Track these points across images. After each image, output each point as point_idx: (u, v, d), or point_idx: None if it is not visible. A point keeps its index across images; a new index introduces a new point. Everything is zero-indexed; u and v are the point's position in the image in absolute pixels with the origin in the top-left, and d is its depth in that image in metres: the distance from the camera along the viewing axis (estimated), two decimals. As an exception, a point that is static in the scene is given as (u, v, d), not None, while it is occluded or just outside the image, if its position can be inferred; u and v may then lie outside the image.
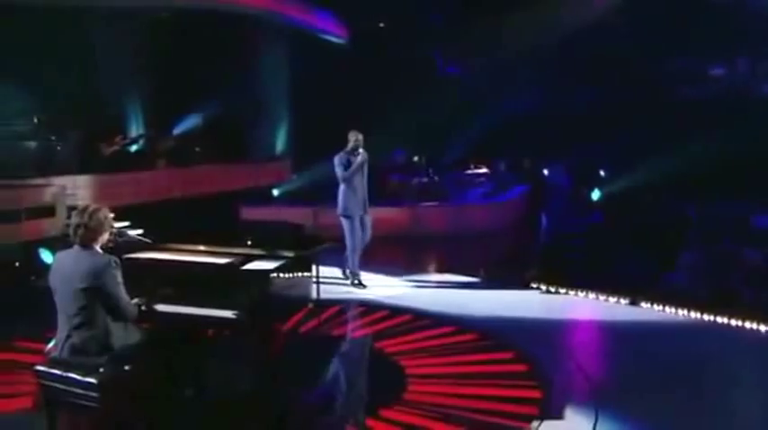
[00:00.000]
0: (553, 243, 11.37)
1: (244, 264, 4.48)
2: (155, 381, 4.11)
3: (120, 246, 4.61)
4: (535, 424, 4.34)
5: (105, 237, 4.07)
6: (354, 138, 7.71)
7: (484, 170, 13.87)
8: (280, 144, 15.84)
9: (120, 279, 3.97)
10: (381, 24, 19.42)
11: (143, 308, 4.25)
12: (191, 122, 14.21)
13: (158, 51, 14.17)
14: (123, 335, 4.02)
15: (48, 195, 8.62)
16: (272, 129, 15.70)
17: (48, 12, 11.91)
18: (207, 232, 5.21)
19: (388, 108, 13.97)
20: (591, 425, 4.30)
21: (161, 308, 4.30)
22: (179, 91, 13.58)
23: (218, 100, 13.80)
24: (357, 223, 7.75)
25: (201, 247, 4.87)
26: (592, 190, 14.23)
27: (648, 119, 15.49)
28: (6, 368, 5.16)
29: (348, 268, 7.86)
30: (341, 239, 7.58)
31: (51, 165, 10.58)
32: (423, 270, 8.94)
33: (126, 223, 6.77)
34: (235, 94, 13.72)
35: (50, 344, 4.09)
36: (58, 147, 10.94)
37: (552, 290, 7.67)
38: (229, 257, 4.62)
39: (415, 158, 14.23)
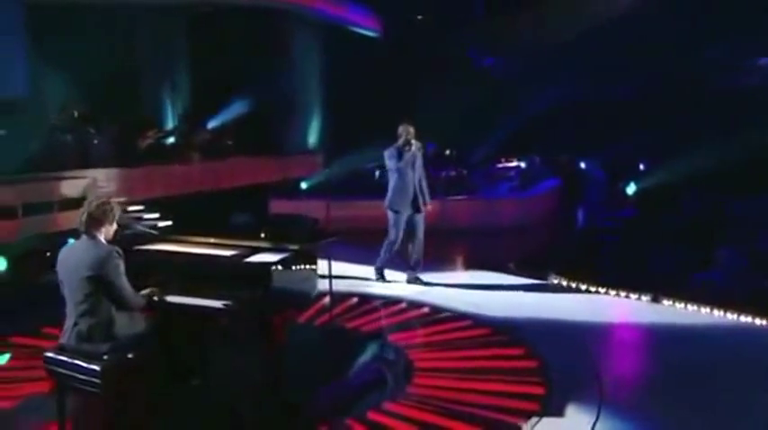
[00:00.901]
0: (584, 238, 11.19)
1: (248, 256, 4.56)
2: (158, 369, 4.23)
3: (127, 238, 4.73)
4: (533, 420, 4.31)
5: (111, 228, 4.20)
6: (405, 131, 7.42)
7: (514, 164, 13.73)
8: (312, 138, 15.97)
9: (122, 269, 4.08)
10: (420, 17, 19.42)
11: (155, 298, 4.38)
12: (233, 111, 14.35)
13: (195, 46, 14.46)
14: (127, 324, 4.14)
15: (79, 188, 8.90)
16: (304, 123, 15.84)
17: (89, 8, 12.26)
18: (224, 225, 5.35)
19: (421, 101, 13.93)
20: (590, 424, 4.25)
21: (168, 298, 4.42)
22: (214, 85, 13.83)
23: (252, 94, 13.98)
24: (403, 219, 7.47)
25: (211, 240, 4.98)
26: (627, 183, 13.95)
27: (690, 110, 15.08)
28: (32, 353, 5.35)
29: (384, 264, 7.66)
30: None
31: (88, 159, 10.90)
32: (446, 264, 8.86)
33: (139, 207, 6.89)
34: (268, 89, 13.88)
35: None
36: (95, 141, 11.23)
37: (574, 286, 7.56)
38: (235, 250, 4.71)
39: (447, 152, 14.17)
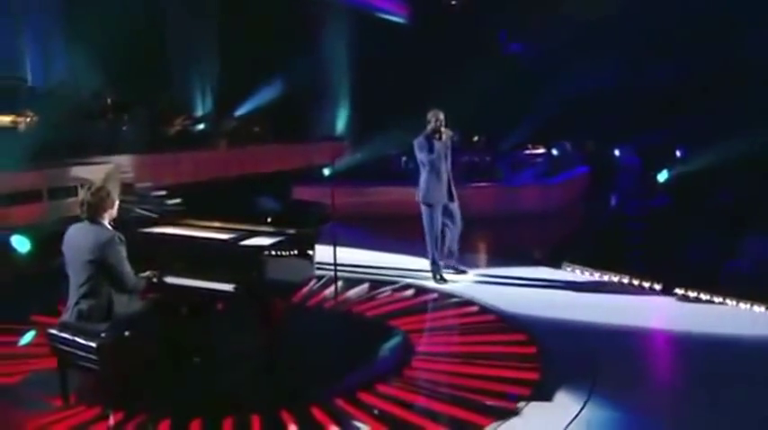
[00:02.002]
0: (609, 226, 11.02)
1: (243, 239, 4.67)
2: (154, 347, 4.38)
3: (129, 220, 4.88)
4: (522, 404, 4.33)
5: (112, 212, 4.36)
6: (434, 117, 7.00)
7: (541, 151, 13.56)
8: (340, 124, 16.07)
9: (123, 254, 4.25)
10: (453, 2, 19.28)
11: (154, 280, 4.53)
12: (261, 98, 14.53)
13: (225, 33, 14.65)
14: (126, 305, 4.30)
15: (102, 173, 9.17)
16: (332, 109, 15.95)
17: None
18: (233, 209, 5.44)
19: (450, 87, 13.85)
20: (578, 409, 4.24)
21: (167, 280, 4.57)
22: (243, 72, 14.01)
23: (281, 81, 14.13)
24: (439, 212, 7.09)
25: (215, 223, 5.10)
26: (659, 171, 13.65)
27: (733, 95, 14.64)
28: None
29: (431, 260, 7.23)
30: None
31: (117, 145, 11.19)
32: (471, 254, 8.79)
33: (162, 192, 7.05)
34: (296, 75, 14.01)
35: None
36: (124, 128, 11.51)
37: (588, 274, 7.50)
38: (233, 233, 4.82)
39: (475, 138, 14.08)
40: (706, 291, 6.52)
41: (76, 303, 4.26)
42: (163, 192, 9.47)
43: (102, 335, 4.14)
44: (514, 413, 4.21)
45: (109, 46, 12.28)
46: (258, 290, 4.43)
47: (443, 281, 7.15)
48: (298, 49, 14.28)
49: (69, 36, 12.85)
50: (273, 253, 4.51)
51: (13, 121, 11.11)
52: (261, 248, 4.47)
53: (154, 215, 5.08)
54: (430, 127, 7.02)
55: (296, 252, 4.75)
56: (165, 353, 4.49)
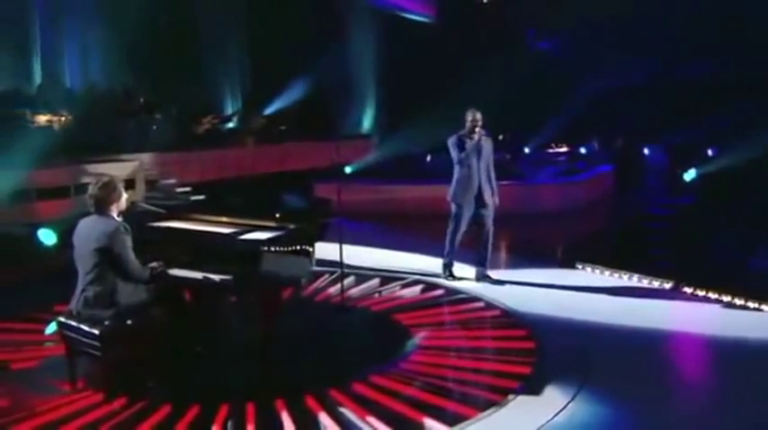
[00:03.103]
0: (630, 225, 10.93)
1: (243, 234, 4.83)
2: (158, 336, 4.58)
3: (136, 215, 5.10)
4: (511, 397, 4.40)
5: (120, 204, 4.58)
6: (471, 117, 6.85)
7: (564, 149, 13.50)
8: (367, 122, 16.24)
9: (129, 243, 4.46)
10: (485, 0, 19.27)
11: (159, 271, 4.73)
12: (289, 97, 14.78)
13: (254, 32, 14.95)
14: (131, 293, 4.51)
15: (127, 170, 9.50)
16: (359, 107, 16.12)
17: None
18: (245, 205, 5.62)
19: (477, 85, 13.88)
20: (566, 402, 4.30)
21: (171, 271, 4.77)
22: (271, 71, 14.28)
23: (309, 79, 14.35)
24: (467, 215, 6.97)
25: (222, 218, 5.28)
26: (686, 170, 13.46)
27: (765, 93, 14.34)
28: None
29: (444, 257, 7.21)
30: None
31: (147, 142, 11.54)
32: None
33: (186, 189, 7.26)
34: (324, 74, 14.21)
35: None
36: (154, 126, 11.86)
37: (601, 271, 7.49)
38: (235, 228, 4.99)
39: (500, 137, 14.08)
40: (727, 291, 6.42)
41: (83, 290, 4.48)
42: (187, 189, 9.78)
43: (106, 323, 4.36)
44: (501, 405, 4.30)
45: (142, 47, 12.68)
46: (254, 282, 4.59)
47: (453, 277, 7.19)
48: (325, 47, 14.48)
49: (105, 38, 13.29)
50: (270, 247, 4.65)
51: (48, 121, 11.57)
52: (258, 243, 4.63)
53: (162, 210, 5.27)
54: (467, 126, 6.90)
55: (295, 247, 4.89)
56: (168, 342, 4.69)
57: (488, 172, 7.00)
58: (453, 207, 7.05)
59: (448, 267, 7.25)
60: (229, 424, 4.11)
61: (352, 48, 15.38)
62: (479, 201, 6.97)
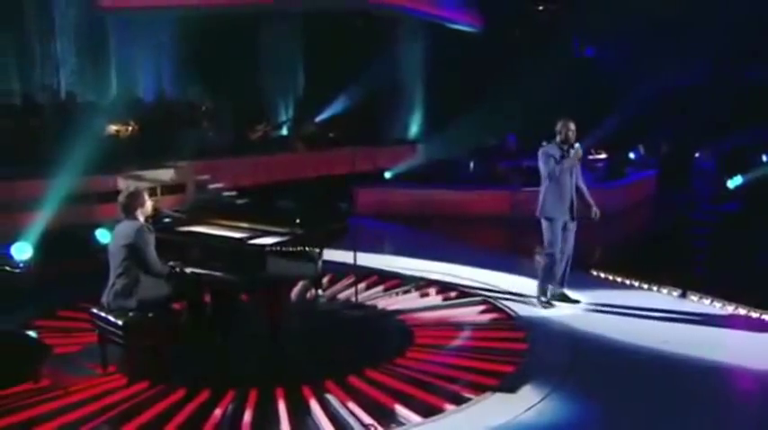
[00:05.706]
0: (667, 231, 10.92)
1: (253, 238, 5.39)
2: (178, 328, 5.20)
3: (160, 221, 5.76)
4: (487, 394, 4.77)
5: (145, 209, 5.25)
6: (564, 128, 6.50)
7: (603, 156, 13.51)
8: (413, 129, 16.71)
9: (151, 241, 5.11)
10: (540, 7, 19.42)
11: (176, 269, 5.35)
12: (339, 106, 15.41)
13: (309, 45, 15.65)
14: (153, 287, 5.15)
15: (178, 175, 10.30)
16: (406, 115, 16.60)
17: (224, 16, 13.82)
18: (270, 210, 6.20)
19: (521, 94, 14.11)
20: (537, 400, 4.64)
21: (187, 270, 5.38)
22: (324, 81, 14.94)
23: (358, 89, 14.93)
24: (560, 227, 6.57)
25: (242, 223, 5.85)
26: (732, 176, 13.24)
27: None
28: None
29: (547, 284, 6.75)
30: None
31: (204, 149, 12.36)
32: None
33: (233, 193, 7.86)
34: (373, 84, 14.75)
35: None
36: (210, 134, 12.67)
37: (617, 279, 7.67)
38: (248, 232, 5.54)
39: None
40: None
41: (113, 284, 5.14)
42: (233, 193, 10.50)
43: (130, 314, 5.00)
44: (476, 401, 4.68)
45: (207, 60, 13.55)
46: (259, 282, 5.15)
47: (550, 305, 6.74)
48: (375, 58, 14.98)
49: (176, 53, 14.28)
50: (276, 250, 5.19)
51: (117, 131, 12.56)
52: (264, 246, 5.17)
53: (182, 215, 5.90)
54: (558, 137, 6.55)
55: (302, 250, 5.41)
56: (188, 332, 5.30)
57: (579, 185, 6.68)
58: (545, 224, 6.61)
59: (544, 294, 6.79)
60: (230, 407, 4.66)
61: (401, 56, 15.86)
62: (570, 214, 6.61)
